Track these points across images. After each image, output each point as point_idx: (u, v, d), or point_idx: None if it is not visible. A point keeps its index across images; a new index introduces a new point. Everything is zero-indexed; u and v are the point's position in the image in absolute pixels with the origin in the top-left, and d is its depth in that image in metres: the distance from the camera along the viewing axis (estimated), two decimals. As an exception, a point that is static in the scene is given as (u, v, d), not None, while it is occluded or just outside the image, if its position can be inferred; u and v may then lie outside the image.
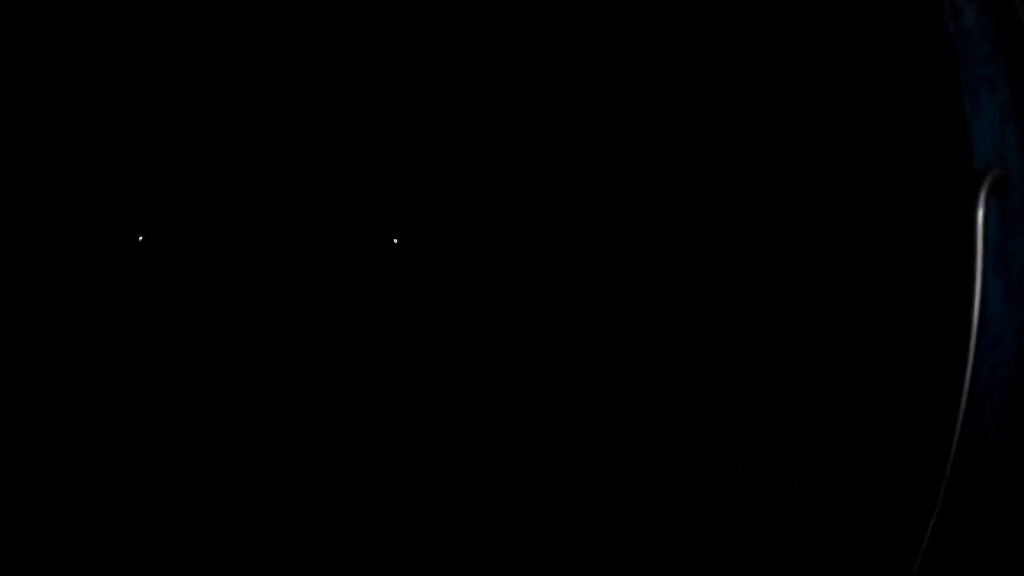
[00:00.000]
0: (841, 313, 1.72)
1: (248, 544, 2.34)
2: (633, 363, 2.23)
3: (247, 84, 2.67)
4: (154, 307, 2.75)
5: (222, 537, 2.35)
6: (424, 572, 2.23)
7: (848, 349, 1.69)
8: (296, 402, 2.69)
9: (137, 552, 2.28)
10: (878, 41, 1.55)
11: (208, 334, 2.76)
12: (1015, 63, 1.25)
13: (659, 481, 2.08)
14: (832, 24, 1.69)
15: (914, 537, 1.30)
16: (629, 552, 2.07)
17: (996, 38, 1.25)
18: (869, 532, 1.47)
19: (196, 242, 2.76)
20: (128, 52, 2.58)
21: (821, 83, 1.75)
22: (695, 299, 2.10)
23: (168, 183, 2.73)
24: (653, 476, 2.10)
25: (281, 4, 2.52)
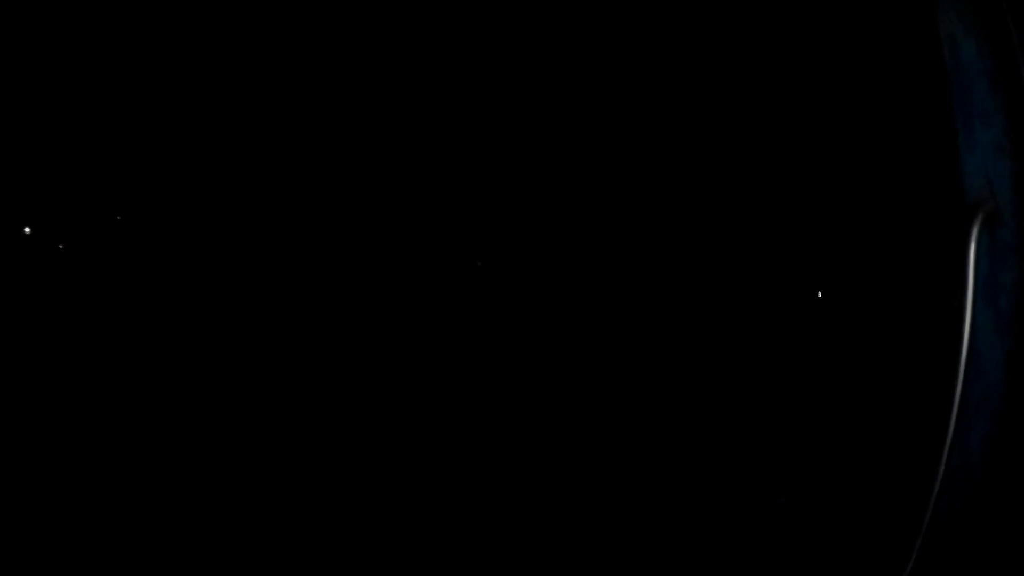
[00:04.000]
0: (832, 341, 1.72)
1: (248, 544, 2.29)
2: (632, 364, 2.22)
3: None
4: (162, 307, 2.72)
5: (222, 537, 2.31)
6: (424, 572, 2.19)
7: (837, 377, 1.69)
8: (297, 402, 2.65)
9: (137, 552, 2.23)
10: (875, 74, 1.58)
11: (211, 335, 2.73)
12: (1011, 99, 1.27)
13: (657, 482, 2.06)
14: (831, 55, 1.72)
15: (897, 568, 1.29)
16: (628, 551, 2.05)
17: (993, 74, 1.27)
18: (853, 562, 1.45)
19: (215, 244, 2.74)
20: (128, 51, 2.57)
21: (819, 112, 1.78)
22: (695, 315, 2.10)
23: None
24: (651, 477, 2.08)
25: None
